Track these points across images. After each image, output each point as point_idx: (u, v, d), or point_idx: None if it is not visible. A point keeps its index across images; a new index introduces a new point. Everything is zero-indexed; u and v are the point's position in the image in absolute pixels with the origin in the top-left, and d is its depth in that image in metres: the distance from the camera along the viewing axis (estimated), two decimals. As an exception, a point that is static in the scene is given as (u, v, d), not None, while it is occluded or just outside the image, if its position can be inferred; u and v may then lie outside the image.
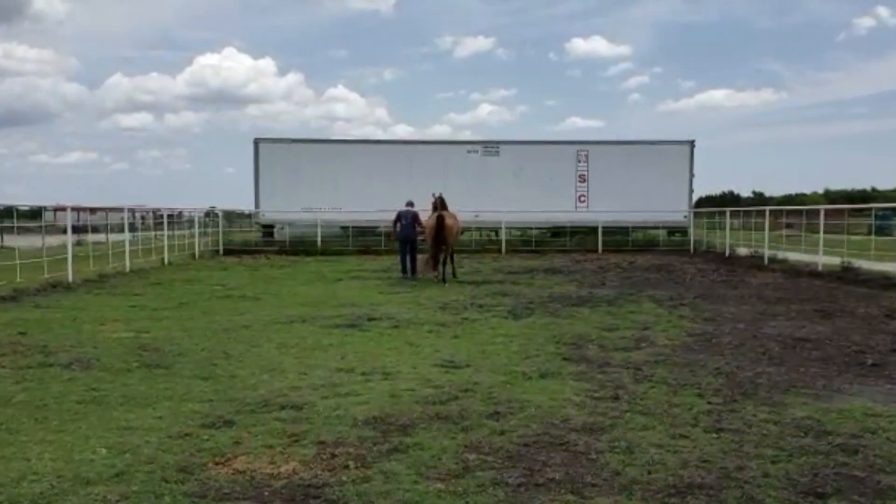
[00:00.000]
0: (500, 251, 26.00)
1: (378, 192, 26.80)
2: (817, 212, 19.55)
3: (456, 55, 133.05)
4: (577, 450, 4.80)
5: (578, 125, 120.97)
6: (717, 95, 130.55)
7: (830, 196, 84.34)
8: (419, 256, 17.43)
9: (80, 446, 4.85)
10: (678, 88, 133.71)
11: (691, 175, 28.30)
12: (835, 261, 17.54)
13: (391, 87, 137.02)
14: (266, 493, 4.12)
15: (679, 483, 4.23)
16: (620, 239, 27.05)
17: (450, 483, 4.22)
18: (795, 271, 17.90)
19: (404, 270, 17.49)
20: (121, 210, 23.36)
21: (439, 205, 17.23)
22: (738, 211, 29.17)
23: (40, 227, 24.03)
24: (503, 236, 27.09)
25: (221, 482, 4.25)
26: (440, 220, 16.26)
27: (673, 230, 28.90)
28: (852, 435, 5.10)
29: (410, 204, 18.09)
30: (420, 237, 17.58)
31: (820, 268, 17.38)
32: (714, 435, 5.11)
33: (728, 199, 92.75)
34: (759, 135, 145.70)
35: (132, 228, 24.61)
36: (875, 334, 9.20)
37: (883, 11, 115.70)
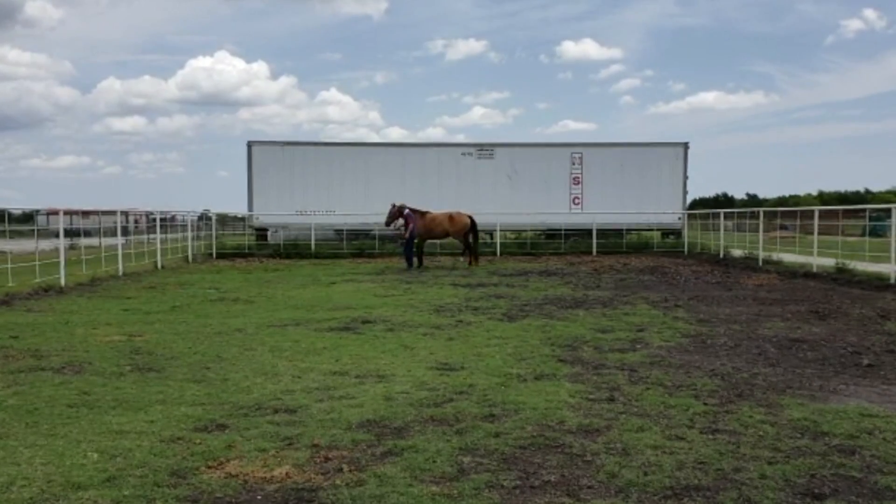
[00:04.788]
0: (494, 254, 25.96)
1: (372, 195, 26.77)
2: (811, 213, 19.58)
3: (448, 58, 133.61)
4: (573, 452, 4.78)
5: (571, 127, 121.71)
6: (708, 98, 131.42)
7: (824, 198, 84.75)
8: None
9: (72, 451, 4.79)
10: (669, 91, 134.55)
11: (685, 177, 28.33)
12: (829, 262, 17.57)
13: (384, 91, 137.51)
14: (259, 498, 4.08)
15: (675, 485, 4.20)
16: (615, 241, 27.05)
17: (444, 486, 4.19)
18: (790, 273, 17.92)
19: (411, 263, 20.61)
20: (114, 213, 23.26)
21: (397, 213, 21.05)
22: (732, 212, 29.22)
23: (33, 230, 23.90)
24: (497, 239, 27.07)
25: (214, 486, 4.21)
26: (473, 220, 21.13)
27: (667, 232, 28.91)
28: (849, 436, 5.08)
29: (403, 206, 21.20)
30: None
31: (814, 269, 17.41)
32: (710, 436, 5.09)
33: (722, 201, 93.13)
34: (752, 137, 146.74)
35: (125, 232, 24.53)
36: (870, 335, 9.21)
37: (870, 14, 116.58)
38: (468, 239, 21.34)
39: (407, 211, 20.88)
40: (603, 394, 6.27)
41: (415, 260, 20.85)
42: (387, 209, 21.48)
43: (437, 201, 24.24)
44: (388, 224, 21.68)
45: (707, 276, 17.72)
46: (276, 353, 8.13)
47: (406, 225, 20.69)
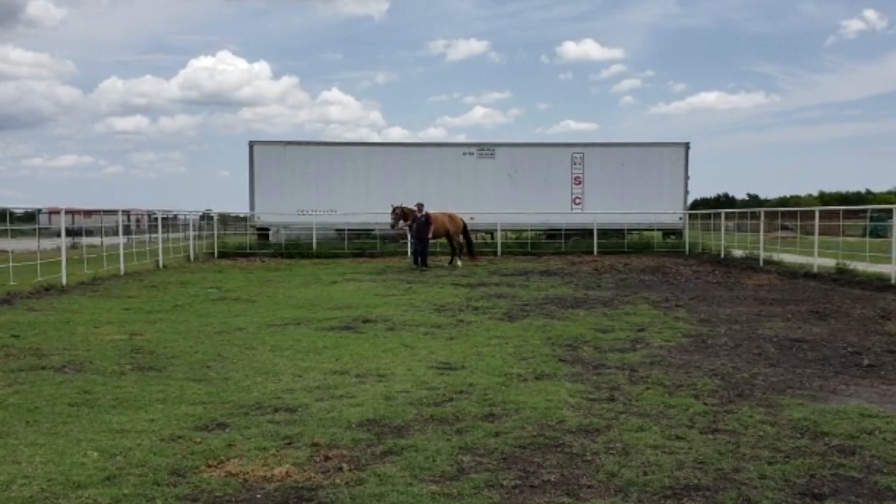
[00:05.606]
0: (495, 253, 25.96)
1: (373, 194, 26.77)
2: (812, 213, 19.56)
3: (449, 58, 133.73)
4: (573, 451, 4.78)
5: (572, 128, 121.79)
6: (709, 98, 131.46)
7: (825, 198, 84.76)
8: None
9: (72, 449, 4.80)
10: (670, 91, 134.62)
11: (686, 177, 28.29)
12: (830, 262, 17.55)
13: (385, 91, 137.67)
14: (259, 496, 4.08)
15: (675, 484, 4.21)
16: (616, 241, 27.03)
17: (444, 485, 4.19)
18: (791, 273, 17.90)
19: (417, 262, 20.73)
20: (115, 213, 23.26)
21: (402, 214, 21.25)
22: (733, 213, 29.18)
23: (35, 230, 23.95)
24: (498, 238, 27.06)
25: (214, 485, 4.21)
26: (464, 222, 22.11)
27: (668, 232, 28.88)
28: (849, 436, 5.08)
29: (421, 205, 21.27)
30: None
31: (815, 269, 17.39)
32: (710, 436, 5.09)
33: (723, 202, 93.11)
34: (753, 137, 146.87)
35: (127, 231, 24.53)
36: (870, 335, 9.20)
37: (871, 14, 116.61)
38: (460, 240, 22.07)
39: (426, 210, 20.91)
40: (603, 393, 6.27)
41: (419, 259, 20.90)
42: (388, 209, 21.44)
43: (438, 201, 24.20)
44: (393, 227, 21.74)
45: (708, 276, 17.71)
46: (276, 353, 8.14)
47: (427, 224, 20.65)
